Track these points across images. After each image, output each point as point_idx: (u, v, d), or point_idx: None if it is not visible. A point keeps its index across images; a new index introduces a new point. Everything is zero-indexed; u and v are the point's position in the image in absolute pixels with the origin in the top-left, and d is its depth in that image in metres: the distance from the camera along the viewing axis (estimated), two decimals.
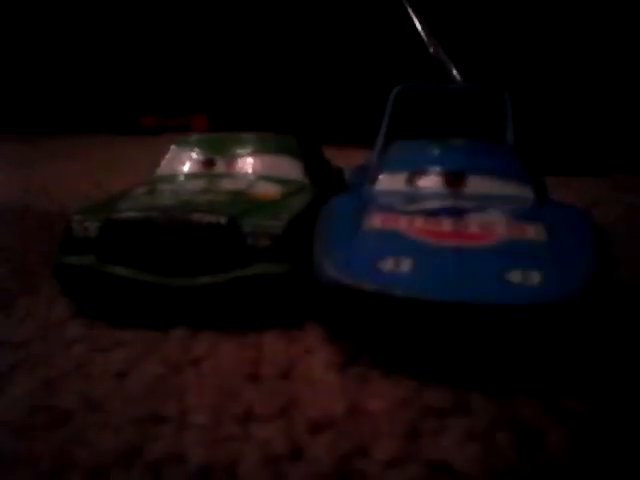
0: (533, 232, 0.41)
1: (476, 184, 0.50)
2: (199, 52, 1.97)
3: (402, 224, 0.42)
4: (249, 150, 0.61)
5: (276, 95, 1.70)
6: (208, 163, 0.60)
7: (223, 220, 0.43)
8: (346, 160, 0.78)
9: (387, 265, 0.37)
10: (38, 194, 0.99)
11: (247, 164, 0.60)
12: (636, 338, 0.41)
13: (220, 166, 0.60)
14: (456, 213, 0.44)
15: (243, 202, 0.48)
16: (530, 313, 0.34)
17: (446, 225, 0.42)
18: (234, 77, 1.84)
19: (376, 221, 0.43)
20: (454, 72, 1.24)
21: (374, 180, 0.53)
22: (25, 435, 0.30)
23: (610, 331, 0.41)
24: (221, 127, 1.82)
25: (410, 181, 0.52)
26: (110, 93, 2.15)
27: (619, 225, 0.71)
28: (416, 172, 0.52)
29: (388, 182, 0.52)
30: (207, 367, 0.37)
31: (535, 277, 0.36)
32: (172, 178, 0.59)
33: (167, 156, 0.63)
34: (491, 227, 0.42)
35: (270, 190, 0.53)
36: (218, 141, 0.63)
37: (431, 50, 1.29)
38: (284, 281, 0.43)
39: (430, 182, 0.51)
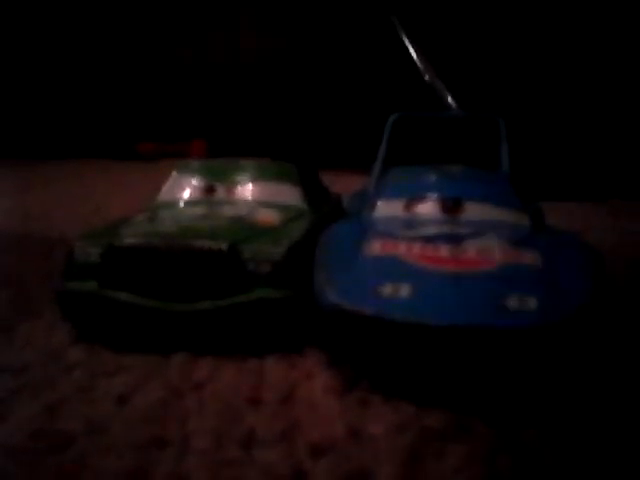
0: (529, 258, 0.42)
1: (473, 211, 0.51)
2: (198, 78, 1.99)
3: (401, 250, 0.43)
4: (249, 177, 0.62)
5: (274, 121, 1.72)
6: (208, 189, 0.61)
7: (224, 246, 0.44)
8: (344, 186, 0.79)
9: (386, 291, 0.38)
10: (37, 219, 0.99)
11: (247, 191, 0.61)
12: (632, 362, 0.42)
13: (220, 192, 0.61)
14: (453, 239, 0.45)
15: (243, 228, 0.49)
16: (526, 337, 0.35)
17: (444, 251, 0.43)
18: (232, 103, 1.86)
19: (375, 247, 0.44)
20: (449, 99, 1.25)
21: (372, 207, 0.54)
22: (27, 460, 0.31)
23: (606, 356, 0.42)
24: (219, 153, 1.83)
25: (408, 208, 0.52)
26: (108, 119, 2.16)
27: (615, 251, 0.72)
28: (414, 199, 0.53)
29: (386, 209, 0.53)
30: (208, 392, 0.37)
31: (532, 303, 0.36)
32: (173, 204, 0.60)
33: (168, 182, 0.64)
34: (488, 253, 0.43)
35: (270, 216, 0.54)
36: (218, 168, 0.64)
37: (427, 78, 1.31)
38: (284, 306, 0.44)
39: (428, 209, 0.52)
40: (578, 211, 1.00)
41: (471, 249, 0.43)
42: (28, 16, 2.04)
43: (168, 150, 2.03)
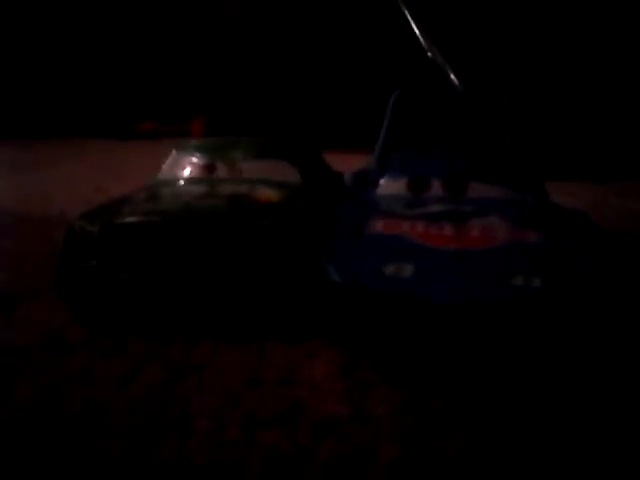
0: (533, 236, 0.42)
1: (476, 189, 0.51)
2: (197, 57, 1.97)
3: (404, 229, 0.43)
4: (249, 155, 0.62)
5: (275, 100, 1.71)
6: (209, 168, 0.61)
7: (224, 224, 0.43)
8: (347, 165, 0.78)
9: (390, 269, 0.38)
10: (38, 199, 0.99)
11: (247, 169, 0.60)
12: (636, 338, 0.41)
13: (221, 171, 0.60)
14: (457, 218, 0.45)
15: (244, 206, 0.49)
16: (530, 315, 0.34)
17: (447, 229, 0.43)
18: (232, 82, 1.84)
19: (379, 226, 0.44)
20: (452, 77, 1.24)
21: (375, 185, 0.53)
22: (28, 442, 0.30)
23: (610, 333, 0.42)
24: (219, 132, 1.82)
25: (411, 186, 0.52)
26: (108, 98, 2.15)
27: (618, 230, 0.72)
28: (417, 177, 0.52)
29: (389, 187, 0.53)
30: (209, 373, 0.37)
31: (536, 280, 0.36)
32: (173, 183, 0.59)
33: (168, 161, 0.64)
34: (491, 232, 0.42)
35: (270, 194, 0.53)
36: (218, 146, 0.64)
37: (429, 55, 1.29)
38: (285, 288, 0.43)
39: (431, 187, 0.51)
40: (581, 191, 0.99)
41: (474, 228, 0.43)
42: None
43: (167, 129, 2.03)
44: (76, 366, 0.38)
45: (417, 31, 1.33)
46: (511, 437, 0.30)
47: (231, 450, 0.29)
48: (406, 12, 1.35)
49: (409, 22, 1.35)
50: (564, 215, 0.47)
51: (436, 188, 0.51)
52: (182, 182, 0.59)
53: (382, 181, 0.53)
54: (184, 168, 0.61)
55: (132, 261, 0.43)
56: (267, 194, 0.53)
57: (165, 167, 0.63)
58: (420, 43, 1.31)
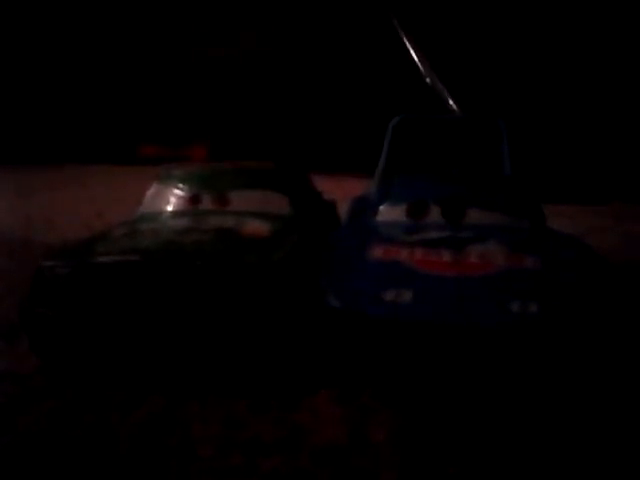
0: (530, 262, 0.42)
1: (474, 215, 0.51)
2: (198, 84, 1.99)
3: (403, 255, 0.43)
4: (236, 185, 0.59)
5: (277, 125, 1.72)
6: (193, 200, 0.58)
7: (209, 262, 0.41)
8: (347, 190, 0.79)
9: (390, 295, 0.38)
10: (40, 224, 0.99)
11: (234, 200, 0.58)
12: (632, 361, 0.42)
13: (206, 203, 0.58)
14: (455, 244, 0.45)
15: (231, 241, 0.47)
16: (527, 339, 0.35)
17: (446, 256, 0.43)
18: (234, 108, 1.86)
19: (378, 252, 0.44)
20: (451, 102, 1.25)
21: (375, 212, 0.54)
22: (34, 469, 0.30)
23: (607, 356, 0.42)
24: (220, 157, 1.84)
25: (410, 213, 0.53)
26: (109, 123, 2.17)
27: (617, 253, 0.72)
28: (416, 204, 0.53)
29: (389, 214, 0.53)
30: (212, 398, 0.37)
31: (533, 306, 0.36)
32: (155, 217, 0.56)
33: (149, 193, 0.61)
34: (489, 258, 0.43)
35: (259, 227, 0.51)
36: (203, 176, 0.61)
37: (428, 81, 1.31)
38: (277, 326, 0.40)
39: (429, 214, 0.52)
40: (580, 214, 1.00)
41: (473, 254, 0.44)
42: (28, 21, 2.05)
43: (169, 154, 2.04)
44: (79, 392, 0.38)
45: (415, 58, 1.34)
46: (511, 464, 0.30)
47: (234, 476, 0.29)
48: (405, 39, 1.37)
49: (408, 49, 1.37)
50: (560, 241, 0.47)
51: (435, 214, 0.52)
52: (165, 216, 0.56)
53: (382, 207, 0.54)
54: (167, 200, 0.59)
55: (108, 306, 0.40)
56: (256, 227, 0.51)
57: (147, 199, 0.60)
58: (419, 69, 1.33)
